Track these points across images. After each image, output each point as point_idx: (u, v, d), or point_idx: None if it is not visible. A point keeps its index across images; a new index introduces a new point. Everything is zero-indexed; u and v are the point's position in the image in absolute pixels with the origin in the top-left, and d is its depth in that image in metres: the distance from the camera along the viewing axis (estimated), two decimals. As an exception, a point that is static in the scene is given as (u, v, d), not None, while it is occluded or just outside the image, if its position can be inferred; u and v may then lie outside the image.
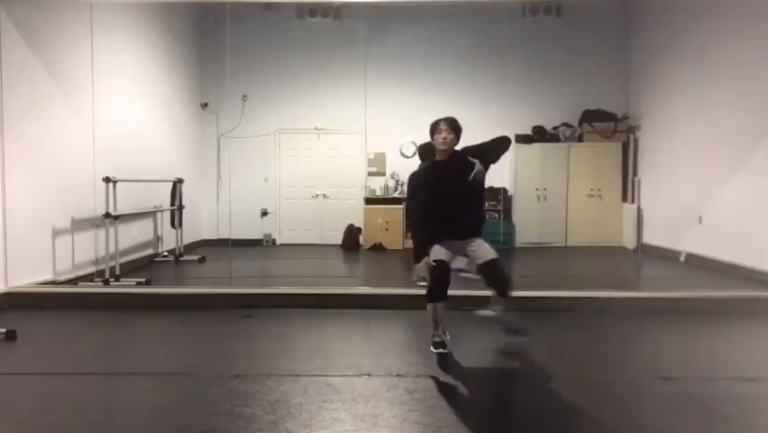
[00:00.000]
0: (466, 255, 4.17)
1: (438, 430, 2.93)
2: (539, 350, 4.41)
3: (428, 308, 4.06)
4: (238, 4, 8.42)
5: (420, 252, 4.08)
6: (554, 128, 10.42)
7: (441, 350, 4.07)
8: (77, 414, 3.17)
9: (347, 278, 8.26)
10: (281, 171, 10.71)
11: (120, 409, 3.27)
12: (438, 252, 4.04)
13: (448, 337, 4.17)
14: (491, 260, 4.02)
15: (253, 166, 10.45)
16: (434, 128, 4.10)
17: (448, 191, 4.04)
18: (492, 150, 4.17)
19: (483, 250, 4.07)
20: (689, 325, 5.02)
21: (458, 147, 4.15)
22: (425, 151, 7.27)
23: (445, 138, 4.06)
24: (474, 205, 4.22)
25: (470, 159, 4.02)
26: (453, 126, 4.09)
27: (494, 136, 4.24)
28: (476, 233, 4.14)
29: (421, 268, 4.04)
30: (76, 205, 6.39)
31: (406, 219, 8.35)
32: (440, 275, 3.99)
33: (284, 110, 10.52)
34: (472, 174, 3.96)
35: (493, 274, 4.04)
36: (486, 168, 4.05)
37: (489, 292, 4.16)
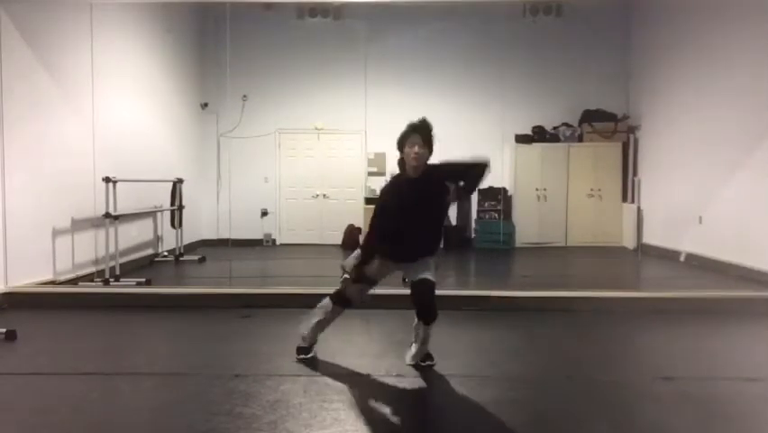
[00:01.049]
0: (406, 273, 3.88)
1: (438, 430, 2.94)
2: (539, 350, 4.42)
3: (323, 308, 3.92)
4: (238, 4, 8.41)
5: (365, 258, 3.72)
6: (554, 128, 10.42)
7: (303, 356, 3.94)
8: (77, 414, 3.17)
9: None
10: (281, 171, 10.71)
11: (120, 409, 3.28)
12: (373, 267, 3.73)
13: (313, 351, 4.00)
14: (422, 279, 3.64)
15: (253, 166, 10.45)
16: (404, 139, 3.58)
17: (416, 213, 3.59)
18: (477, 178, 3.73)
19: (422, 269, 3.68)
20: (689, 325, 5.02)
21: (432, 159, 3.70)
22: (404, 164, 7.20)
23: (417, 154, 3.53)
24: (436, 229, 3.81)
25: (447, 184, 3.65)
26: (427, 139, 3.57)
27: (473, 158, 3.77)
28: (428, 254, 3.75)
29: (349, 263, 3.77)
30: (76, 205, 6.39)
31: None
32: (360, 287, 3.78)
33: (284, 110, 10.52)
34: (450, 198, 3.67)
35: (418, 294, 3.67)
36: (468, 196, 3.76)
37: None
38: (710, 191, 7.65)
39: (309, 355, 3.96)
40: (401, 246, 3.68)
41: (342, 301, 3.87)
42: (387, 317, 5.25)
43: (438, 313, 3.69)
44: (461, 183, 3.68)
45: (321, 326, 3.97)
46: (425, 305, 3.68)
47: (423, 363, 3.82)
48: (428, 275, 3.67)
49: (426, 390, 3.45)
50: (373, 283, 3.82)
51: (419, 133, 3.56)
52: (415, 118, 3.71)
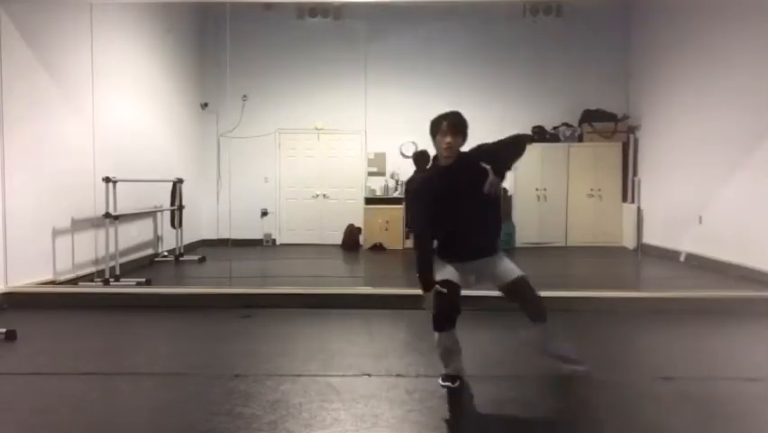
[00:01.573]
0: (482, 279, 3.51)
1: (438, 431, 2.94)
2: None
3: (435, 337, 3.40)
4: (238, 4, 8.42)
5: (425, 276, 3.35)
6: (554, 128, 10.42)
7: (449, 384, 3.39)
8: (77, 414, 3.17)
9: (347, 278, 8.26)
10: (281, 171, 10.71)
11: (120, 409, 3.28)
12: (447, 272, 3.43)
13: (464, 370, 3.52)
14: (514, 279, 3.39)
15: (253, 166, 10.46)
16: (436, 128, 3.38)
17: (456, 204, 3.36)
18: (509, 156, 3.44)
19: (503, 269, 3.44)
20: (689, 325, 5.02)
21: (466, 147, 3.47)
22: (420, 159, 7.22)
23: (449, 144, 3.34)
24: (489, 218, 3.50)
25: (483, 165, 3.34)
26: (458, 127, 3.37)
27: (514, 135, 3.53)
28: (491, 251, 3.49)
29: (430, 297, 3.32)
30: (76, 205, 6.39)
31: (407, 226, 7.27)
32: (445, 299, 3.31)
33: (284, 110, 10.52)
34: (486, 186, 3.30)
35: (519, 297, 3.41)
36: (501, 177, 3.34)
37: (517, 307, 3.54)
38: (710, 191, 7.65)
39: (454, 384, 3.39)
40: (455, 246, 3.42)
41: (438, 323, 3.37)
42: (387, 317, 5.26)
43: (546, 308, 3.42)
44: (496, 163, 3.36)
45: (446, 356, 3.47)
46: (528, 304, 3.40)
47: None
48: (512, 274, 3.41)
49: (426, 390, 3.44)
50: (456, 288, 3.38)
51: (449, 121, 3.36)
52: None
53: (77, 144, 6.49)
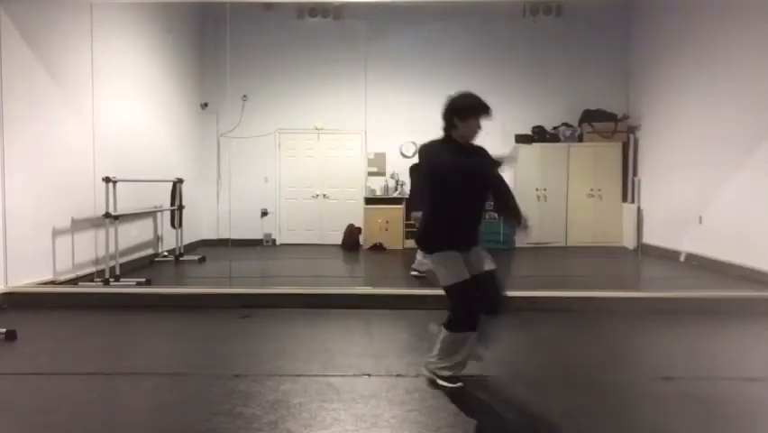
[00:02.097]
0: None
1: (438, 431, 2.94)
2: (539, 350, 4.41)
3: (447, 337, 3.39)
4: (238, 4, 8.42)
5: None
6: (554, 128, 10.42)
7: (450, 384, 3.44)
8: (77, 414, 3.17)
9: (347, 278, 8.25)
10: (281, 171, 10.71)
11: (120, 409, 3.28)
12: (457, 266, 3.35)
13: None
14: (487, 272, 3.41)
15: (253, 166, 10.45)
16: (471, 112, 3.37)
17: (466, 186, 3.37)
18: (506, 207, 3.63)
19: (479, 258, 3.44)
20: (689, 325, 5.02)
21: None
22: None
23: (478, 131, 3.41)
24: (481, 209, 3.59)
25: (495, 158, 3.46)
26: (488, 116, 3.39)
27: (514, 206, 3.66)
28: (477, 240, 3.54)
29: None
30: (76, 205, 6.39)
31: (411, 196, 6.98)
32: (469, 298, 3.30)
33: (284, 110, 10.51)
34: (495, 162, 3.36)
35: (484, 289, 3.38)
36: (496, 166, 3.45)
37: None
38: (710, 191, 7.65)
39: (455, 385, 3.43)
40: (458, 232, 3.43)
41: (462, 324, 3.33)
42: (387, 317, 5.26)
43: (505, 306, 3.46)
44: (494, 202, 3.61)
45: (457, 356, 3.46)
46: (490, 298, 3.39)
47: (450, 385, 3.45)
48: (489, 266, 3.42)
49: (426, 390, 3.44)
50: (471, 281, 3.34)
51: (488, 112, 3.40)
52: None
53: (77, 144, 6.49)
